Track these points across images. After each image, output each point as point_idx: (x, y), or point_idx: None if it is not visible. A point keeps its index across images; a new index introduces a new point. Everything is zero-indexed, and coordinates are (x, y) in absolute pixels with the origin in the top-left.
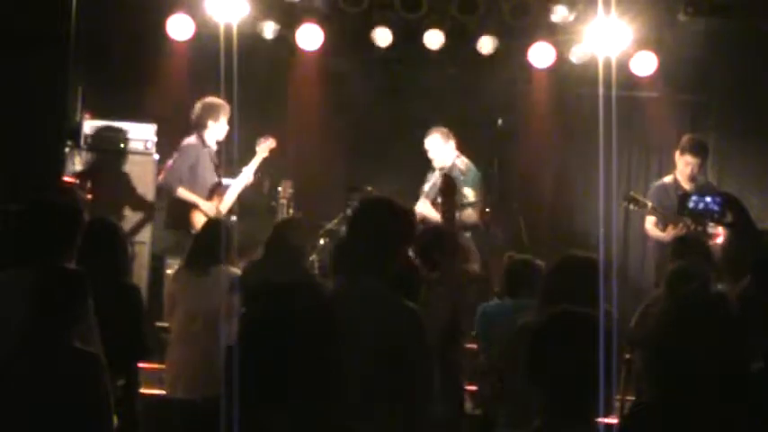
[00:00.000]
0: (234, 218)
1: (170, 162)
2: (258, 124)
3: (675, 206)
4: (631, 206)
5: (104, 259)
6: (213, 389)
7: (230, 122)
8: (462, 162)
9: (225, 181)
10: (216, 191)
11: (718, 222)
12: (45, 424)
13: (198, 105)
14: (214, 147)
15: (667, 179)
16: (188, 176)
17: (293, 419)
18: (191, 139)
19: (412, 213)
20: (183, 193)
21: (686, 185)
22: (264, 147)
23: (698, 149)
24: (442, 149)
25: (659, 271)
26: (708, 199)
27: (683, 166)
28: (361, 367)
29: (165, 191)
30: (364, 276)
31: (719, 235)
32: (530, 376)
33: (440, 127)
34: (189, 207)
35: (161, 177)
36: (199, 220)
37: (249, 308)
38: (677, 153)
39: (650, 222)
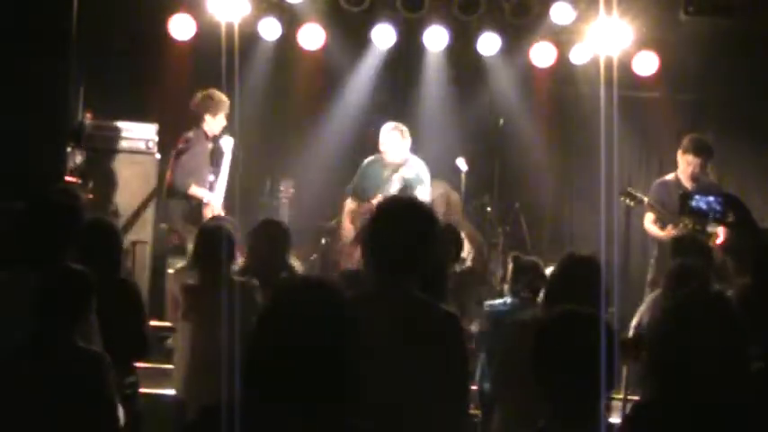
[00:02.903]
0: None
1: (176, 160)
2: (258, 123)
3: (676, 204)
4: (628, 201)
5: (103, 258)
6: (220, 390)
7: (231, 121)
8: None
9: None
10: (213, 186)
11: (720, 222)
12: (50, 424)
13: (198, 95)
14: (211, 137)
15: (669, 177)
16: (194, 172)
17: (307, 421)
18: (191, 134)
19: (434, 212)
20: (195, 190)
21: (688, 184)
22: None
23: (700, 150)
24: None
25: (658, 269)
26: (710, 198)
27: (685, 166)
28: (395, 373)
29: (176, 190)
30: (399, 278)
31: (719, 235)
32: (533, 376)
33: (397, 123)
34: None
35: (169, 177)
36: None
37: (265, 308)
38: (680, 152)
39: (649, 220)
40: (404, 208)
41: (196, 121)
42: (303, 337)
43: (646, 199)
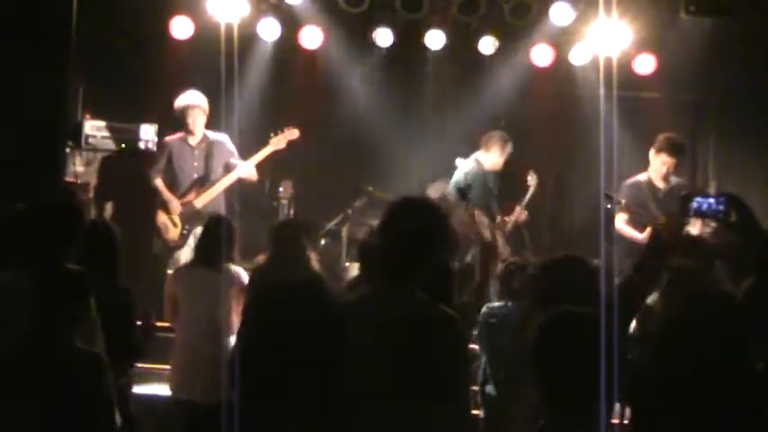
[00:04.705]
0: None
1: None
2: (258, 124)
3: (647, 205)
4: (606, 203)
5: (99, 261)
6: (217, 391)
7: (230, 122)
8: None
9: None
10: (195, 186)
11: (723, 223)
12: (48, 424)
13: (176, 101)
14: (198, 139)
15: (641, 177)
16: (167, 172)
17: (298, 422)
18: (167, 137)
19: (446, 214)
20: (158, 183)
21: (660, 184)
22: (281, 139)
23: (675, 149)
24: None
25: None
26: (711, 200)
27: (659, 166)
28: (397, 373)
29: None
30: (401, 281)
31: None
32: (533, 376)
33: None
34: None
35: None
36: (160, 216)
37: (252, 309)
38: (653, 151)
39: (621, 220)
40: (412, 208)
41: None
42: (289, 337)
43: (623, 201)
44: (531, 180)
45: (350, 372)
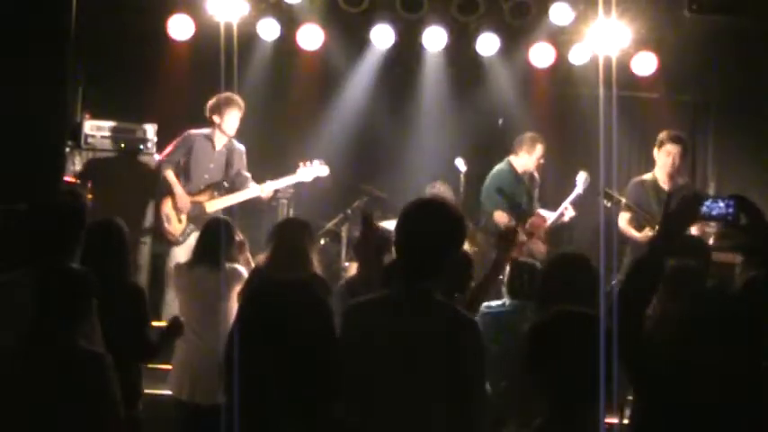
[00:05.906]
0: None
1: (170, 146)
2: (257, 124)
3: (652, 204)
4: (605, 202)
5: (110, 260)
6: (218, 391)
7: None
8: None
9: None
10: (211, 189)
11: (734, 226)
12: (50, 424)
13: (210, 101)
14: (223, 143)
15: (646, 176)
16: (182, 165)
17: (293, 420)
18: (193, 130)
19: (462, 215)
20: (168, 175)
21: (665, 184)
22: (309, 172)
23: (677, 138)
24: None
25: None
26: (720, 203)
27: (665, 158)
28: (413, 374)
29: (158, 168)
30: (418, 282)
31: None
32: (531, 376)
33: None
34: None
35: (161, 155)
36: (166, 205)
37: (245, 307)
38: (656, 148)
39: (624, 220)
40: (428, 209)
41: (209, 124)
42: (280, 338)
43: (623, 200)
44: (580, 179)
45: (365, 372)
